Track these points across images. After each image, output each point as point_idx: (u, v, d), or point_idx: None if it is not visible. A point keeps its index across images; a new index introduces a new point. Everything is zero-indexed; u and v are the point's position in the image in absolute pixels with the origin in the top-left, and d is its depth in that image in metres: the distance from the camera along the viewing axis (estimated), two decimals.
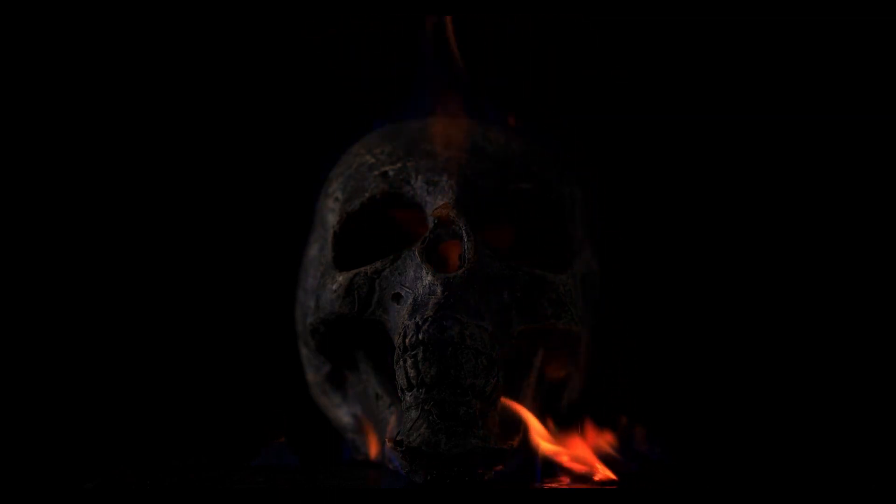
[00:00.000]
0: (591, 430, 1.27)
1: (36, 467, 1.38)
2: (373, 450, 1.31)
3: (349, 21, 1.66)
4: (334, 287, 1.25)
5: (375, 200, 1.27)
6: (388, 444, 1.16)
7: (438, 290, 1.16)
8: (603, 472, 1.20)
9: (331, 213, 1.32)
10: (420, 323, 1.15)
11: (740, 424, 1.58)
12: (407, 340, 1.15)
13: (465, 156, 1.27)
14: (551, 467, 1.23)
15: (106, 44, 1.65)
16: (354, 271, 1.24)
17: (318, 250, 1.34)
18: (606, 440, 1.27)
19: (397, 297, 1.21)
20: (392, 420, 1.23)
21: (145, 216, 1.68)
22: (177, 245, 1.69)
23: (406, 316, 1.17)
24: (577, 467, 1.22)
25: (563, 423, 1.31)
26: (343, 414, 1.35)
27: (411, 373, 1.14)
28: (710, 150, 1.69)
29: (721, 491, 1.18)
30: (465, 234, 1.19)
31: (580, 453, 1.23)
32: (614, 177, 1.68)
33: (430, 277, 1.17)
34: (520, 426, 1.23)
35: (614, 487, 1.16)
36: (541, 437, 1.23)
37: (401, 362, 1.15)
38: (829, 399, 1.61)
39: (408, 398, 1.15)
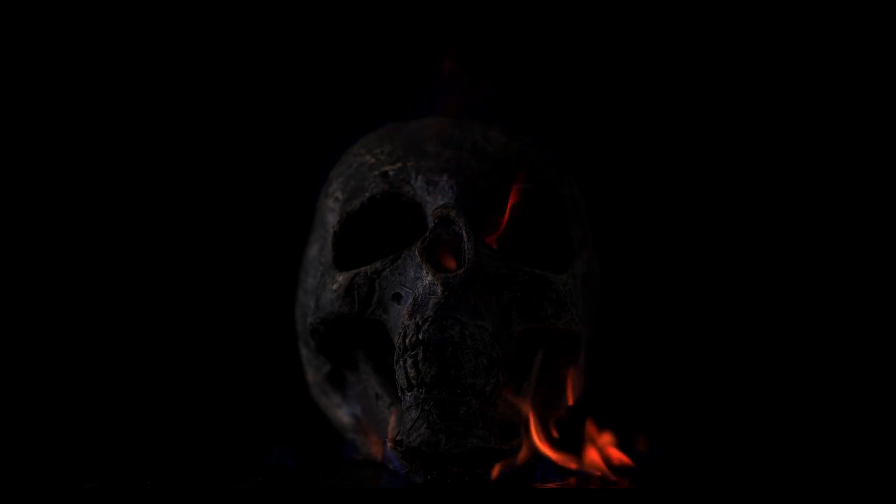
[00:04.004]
0: (591, 433, 1.27)
1: (36, 467, 1.38)
2: (373, 450, 1.31)
3: (350, 20, 1.66)
4: (334, 287, 1.25)
5: (375, 200, 1.27)
6: (389, 444, 1.16)
7: (438, 290, 1.16)
8: (603, 473, 1.21)
9: (331, 213, 1.32)
10: (420, 323, 1.15)
11: (741, 425, 1.58)
12: (407, 340, 1.15)
13: (465, 156, 1.28)
14: (552, 468, 1.23)
15: (106, 44, 1.65)
16: (354, 271, 1.24)
17: (318, 250, 1.34)
18: (607, 442, 1.27)
19: (397, 297, 1.21)
20: (392, 420, 1.23)
21: (146, 216, 1.68)
22: (177, 245, 1.69)
23: (406, 316, 1.17)
24: (579, 468, 1.22)
25: (563, 423, 1.31)
26: (343, 414, 1.35)
27: (411, 373, 1.14)
28: (709, 151, 1.69)
29: (721, 491, 1.18)
30: (465, 234, 1.19)
31: (582, 455, 1.24)
32: (614, 177, 1.68)
33: (430, 277, 1.17)
34: (520, 426, 1.23)
35: (614, 487, 1.16)
36: (541, 438, 1.23)
37: (401, 362, 1.15)
38: (830, 398, 1.61)
39: (408, 398, 1.15)
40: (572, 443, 1.26)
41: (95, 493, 1.14)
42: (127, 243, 1.68)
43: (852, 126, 1.65)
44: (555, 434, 1.27)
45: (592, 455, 1.23)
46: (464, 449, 1.12)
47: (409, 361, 1.15)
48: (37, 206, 1.65)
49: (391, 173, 1.28)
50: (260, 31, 1.67)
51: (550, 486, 1.17)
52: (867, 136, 1.65)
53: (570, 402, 1.33)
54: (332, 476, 1.23)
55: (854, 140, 1.65)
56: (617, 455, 1.25)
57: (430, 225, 1.21)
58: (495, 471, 1.18)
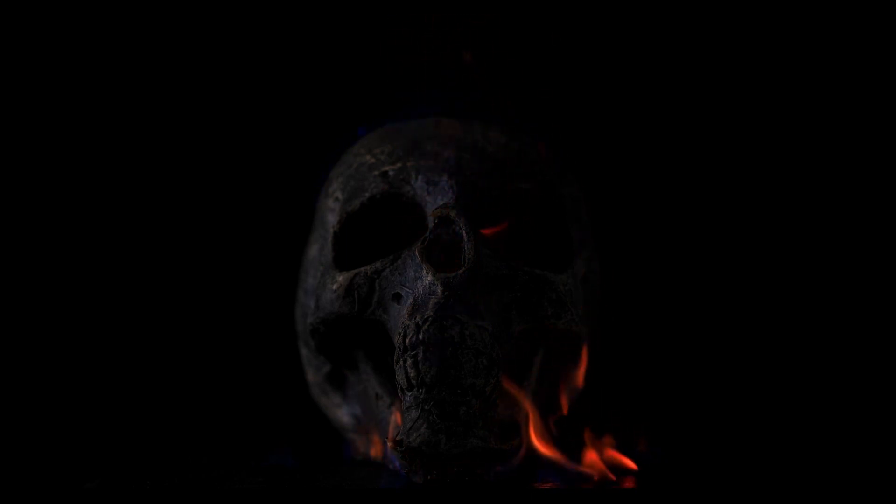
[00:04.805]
0: (591, 438, 1.27)
1: (36, 467, 1.38)
2: (373, 450, 1.31)
3: (350, 20, 1.66)
4: (334, 287, 1.25)
5: (375, 200, 1.27)
6: (389, 444, 1.16)
7: (438, 290, 1.16)
8: (603, 473, 1.21)
9: (331, 213, 1.32)
10: (420, 323, 1.15)
11: (741, 425, 1.58)
12: (407, 340, 1.15)
13: (465, 156, 1.28)
14: (552, 468, 1.23)
15: (106, 44, 1.65)
16: (354, 271, 1.24)
17: (318, 250, 1.34)
18: (607, 444, 1.27)
19: (397, 297, 1.21)
20: (392, 420, 1.23)
21: (146, 216, 1.68)
22: (177, 245, 1.69)
23: (406, 316, 1.17)
24: (578, 468, 1.22)
25: (563, 423, 1.31)
26: (343, 414, 1.35)
27: (411, 373, 1.14)
28: (709, 151, 1.69)
29: (721, 491, 1.18)
30: (465, 234, 1.19)
31: (582, 456, 1.24)
32: (614, 177, 1.68)
33: (430, 277, 1.17)
34: (520, 426, 1.23)
35: (614, 488, 1.17)
36: (541, 439, 1.23)
37: (401, 362, 1.15)
38: (829, 398, 1.61)
39: (408, 398, 1.15)
40: (572, 443, 1.26)
41: (95, 493, 1.14)
42: (127, 243, 1.68)
43: (852, 126, 1.65)
44: (554, 433, 1.27)
45: (592, 456, 1.23)
46: (464, 449, 1.12)
47: (409, 361, 1.15)
48: (37, 206, 1.65)
49: (391, 173, 1.28)
50: (260, 31, 1.67)
51: (550, 486, 1.17)
52: (867, 137, 1.64)
53: (570, 401, 1.33)
54: (332, 476, 1.23)
55: (854, 140, 1.65)
56: (617, 457, 1.25)
57: (430, 225, 1.21)
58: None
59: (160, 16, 1.65)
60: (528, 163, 1.30)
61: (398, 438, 1.14)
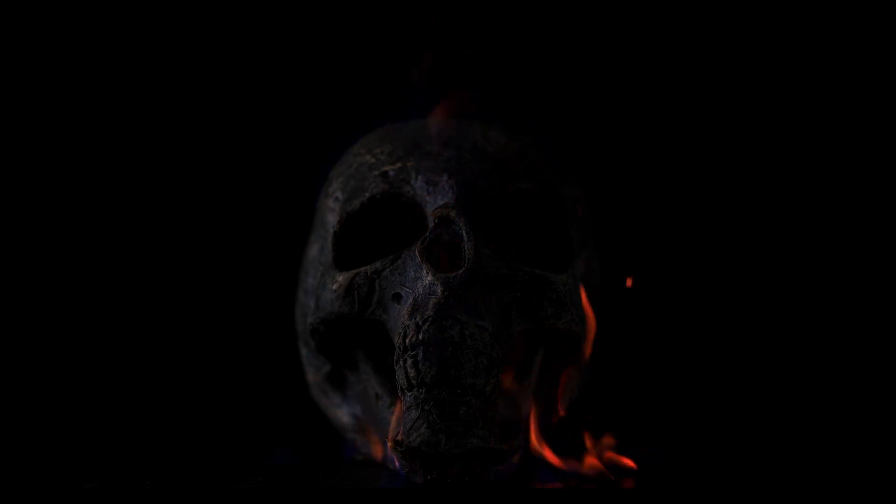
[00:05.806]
0: (590, 440, 1.27)
1: (36, 467, 1.39)
2: (373, 450, 1.31)
3: (350, 20, 1.66)
4: (334, 287, 1.25)
5: (375, 200, 1.27)
6: (389, 444, 1.16)
7: (438, 290, 1.16)
8: (603, 473, 1.21)
9: (331, 213, 1.32)
10: (420, 323, 1.15)
11: (741, 425, 1.58)
12: (407, 340, 1.15)
13: (465, 156, 1.28)
14: (551, 468, 1.23)
15: (106, 43, 1.65)
16: (354, 271, 1.24)
17: (318, 250, 1.34)
18: (607, 445, 1.27)
19: (397, 297, 1.21)
20: (392, 420, 1.23)
21: (146, 216, 1.69)
22: (177, 245, 1.69)
23: (406, 316, 1.17)
24: (577, 469, 1.22)
25: (563, 423, 1.31)
26: (343, 414, 1.35)
27: (411, 373, 1.14)
28: (709, 151, 1.69)
29: (721, 491, 1.18)
30: (465, 234, 1.19)
31: (582, 457, 1.24)
32: (614, 177, 1.68)
33: (430, 277, 1.17)
34: (520, 426, 1.23)
35: (614, 487, 1.17)
36: (541, 439, 1.23)
37: (401, 362, 1.15)
38: (829, 398, 1.61)
39: (408, 398, 1.15)
40: (572, 443, 1.26)
41: (95, 493, 1.14)
42: (127, 243, 1.68)
43: (852, 126, 1.65)
44: (554, 434, 1.27)
45: (592, 457, 1.23)
46: (464, 449, 1.12)
47: (409, 361, 1.15)
48: (37, 206, 1.65)
49: (391, 173, 1.28)
50: (260, 31, 1.67)
51: (550, 486, 1.17)
52: (867, 137, 1.64)
53: (570, 401, 1.33)
54: (332, 476, 1.23)
55: (854, 140, 1.65)
56: (617, 458, 1.25)
57: (430, 225, 1.21)
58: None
59: (160, 15, 1.65)
60: (528, 163, 1.30)
61: (398, 438, 1.14)
